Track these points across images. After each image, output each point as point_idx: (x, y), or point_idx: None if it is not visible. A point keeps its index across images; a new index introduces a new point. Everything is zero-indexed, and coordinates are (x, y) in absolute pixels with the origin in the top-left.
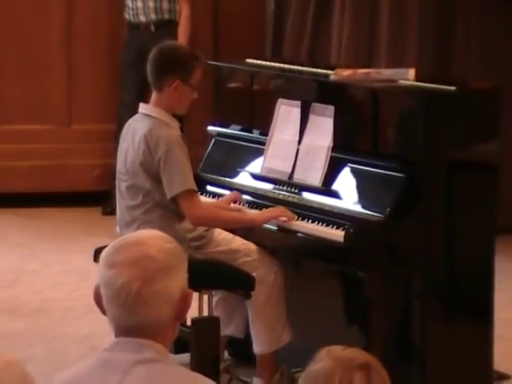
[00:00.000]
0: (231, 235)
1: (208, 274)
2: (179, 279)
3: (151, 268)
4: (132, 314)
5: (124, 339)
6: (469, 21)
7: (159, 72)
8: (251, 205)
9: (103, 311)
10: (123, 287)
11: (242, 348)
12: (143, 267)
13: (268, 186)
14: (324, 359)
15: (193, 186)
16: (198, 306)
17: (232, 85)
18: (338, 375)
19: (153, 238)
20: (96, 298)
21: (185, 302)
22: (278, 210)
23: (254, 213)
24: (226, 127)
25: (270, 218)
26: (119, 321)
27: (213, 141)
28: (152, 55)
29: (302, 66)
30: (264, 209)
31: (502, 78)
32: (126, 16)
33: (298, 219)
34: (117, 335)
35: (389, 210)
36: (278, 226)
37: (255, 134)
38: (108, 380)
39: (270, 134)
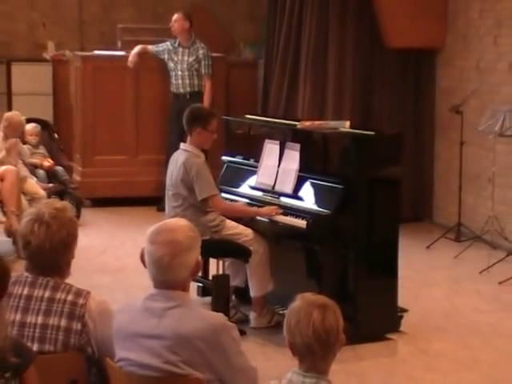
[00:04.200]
0: (236, 224)
1: (222, 248)
2: (195, 254)
3: (178, 248)
4: (164, 274)
5: (158, 291)
6: (383, 92)
7: (189, 123)
8: (250, 204)
9: (145, 265)
10: (159, 259)
11: (243, 293)
12: (172, 247)
13: (259, 193)
14: (298, 300)
15: (216, 191)
16: (216, 268)
17: (237, 131)
18: (303, 310)
19: (181, 226)
20: (142, 256)
21: (197, 267)
22: (272, 209)
23: (256, 208)
24: (233, 157)
25: (268, 215)
26: (155, 277)
27: (225, 166)
28: (185, 113)
29: (280, 119)
30: (262, 207)
31: (403, 127)
32: (171, 89)
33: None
34: (154, 286)
35: (333, 208)
36: (267, 219)
37: (251, 162)
38: (149, 321)
39: (260, 162)
